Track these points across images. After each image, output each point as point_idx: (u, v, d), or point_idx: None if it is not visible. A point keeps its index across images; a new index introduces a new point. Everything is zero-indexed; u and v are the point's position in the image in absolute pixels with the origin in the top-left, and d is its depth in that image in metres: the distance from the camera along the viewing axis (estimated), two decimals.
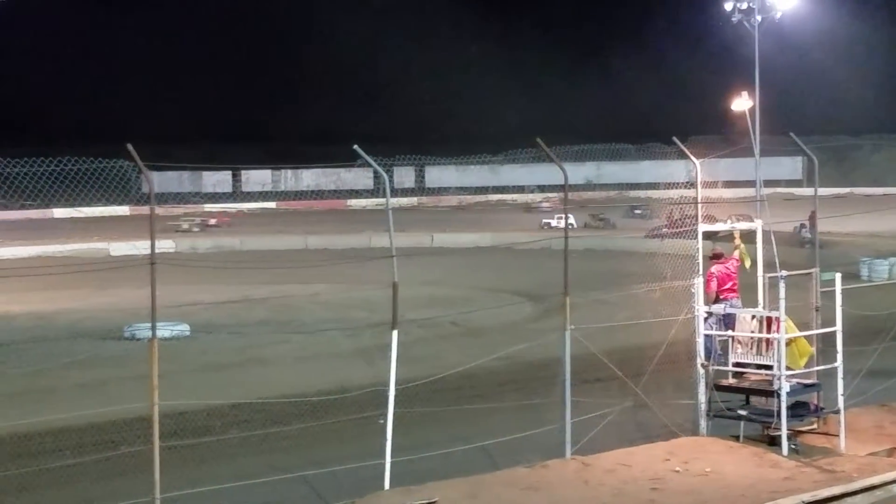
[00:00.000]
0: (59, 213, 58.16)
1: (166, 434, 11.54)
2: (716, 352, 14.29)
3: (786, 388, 13.43)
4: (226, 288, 32.64)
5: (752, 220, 16.55)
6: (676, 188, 15.81)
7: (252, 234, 55.62)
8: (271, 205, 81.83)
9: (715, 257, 14.83)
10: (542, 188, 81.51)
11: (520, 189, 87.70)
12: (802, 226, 40.89)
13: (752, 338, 13.92)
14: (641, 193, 66.87)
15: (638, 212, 57.62)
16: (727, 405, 14.07)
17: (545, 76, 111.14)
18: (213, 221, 61.93)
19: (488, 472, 12.46)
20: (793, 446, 13.49)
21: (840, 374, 14.09)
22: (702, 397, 14.10)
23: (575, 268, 13.64)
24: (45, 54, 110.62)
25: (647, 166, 67.63)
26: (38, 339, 26.29)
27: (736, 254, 15.02)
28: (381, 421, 11.93)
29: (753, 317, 14.07)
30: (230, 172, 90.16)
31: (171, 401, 11.85)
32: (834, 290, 14.23)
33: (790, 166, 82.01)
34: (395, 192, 67.77)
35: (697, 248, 14.37)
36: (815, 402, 14.38)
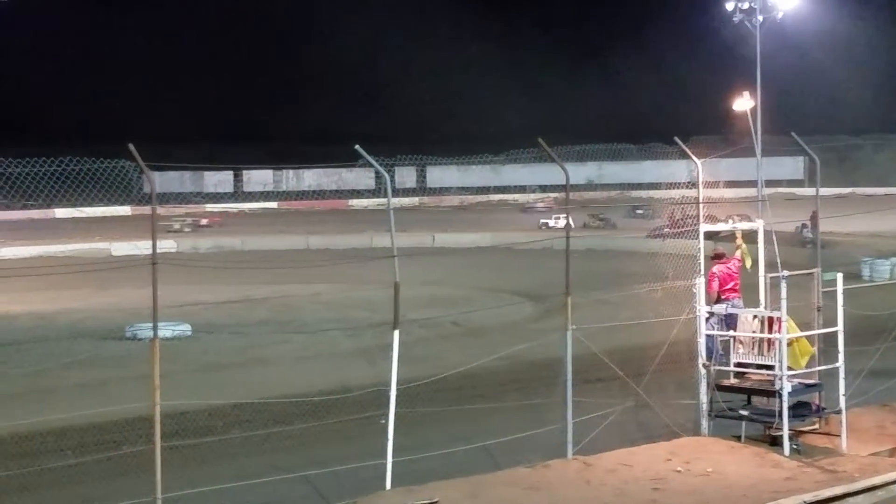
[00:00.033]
0: (61, 213, 58.17)
1: (168, 434, 11.54)
2: (717, 352, 14.28)
3: (787, 388, 13.43)
4: (227, 288, 32.67)
5: (750, 220, 16.55)
6: (678, 188, 15.81)
7: (253, 233, 55.64)
8: (273, 205, 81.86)
9: (716, 257, 14.82)
10: (543, 188, 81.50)
11: (521, 189, 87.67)
12: (804, 226, 40.93)
13: (753, 338, 13.92)
14: (643, 193, 66.83)
15: (640, 212, 57.63)
16: (729, 405, 14.06)
17: (546, 76, 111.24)
18: (204, 221, 62.24)
19: (489, 472, 12.46)
20: (794, 446, 13.48)
21: (842, 374, 14.08)
22: (703, 397, 14.09)
23: (576, 268, 13.63)
24: (46, 54, 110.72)
25: (649, 166, 67.55)
26: (39, 339, 26.32)
27: (737, 254, 15.01)
28: (383, 421, 11.92)
29: (755, 317, 14.07)
30: (232, 172, 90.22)
31: (173, 401, 11.85)
32: (835, 290, 14.24)
33: (792, 166, 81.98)
34: (397, 192, 67.71)
35: (699, 248, 14.36)
36: (817, 402, 14.37)
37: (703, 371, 14.10)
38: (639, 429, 14.45)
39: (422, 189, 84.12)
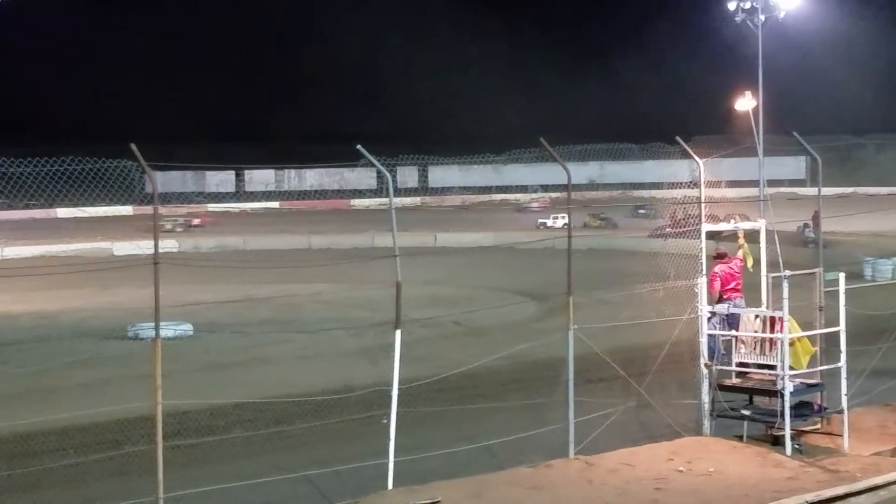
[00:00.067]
0: (63, 212, 58.15)
1: (170, 434, 11.53)
2: (719, 352, 14.27)
3: (789, 387, 13.43)
4: (229, 287, 32.69)
5: (749, 219, 16.54)
6: (680, 188, 15.80)
7: (255, 233, 55.67)
8: (275, 204, 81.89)
9: (718, 257, 14.81)
10: (545, 188, 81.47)
11: (523, 189, 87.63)
12: (806, 225, 40.91)
13: (755, 338, 13.91)
14: (645, 193, 66.81)
15: (642, 211, 57.68)
16: (731, 405, 14.05)
17: (547, 76, 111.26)
18: (196, 221, 62.41)
19: (492, 472, 12.45)
20: (796, 446, 13.48)
21: (844, 374, 14.07)
22: (705, 397, 14.08)
23: (578, 267, 13.63)
24: (48, 54, 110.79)
25: (651, 166, 67.58)
26: (41, 339, 26.36)
27: (739, 253, 15.00)
28: (385, 420, 11.92)
29: (757, 316, 14.06)
30: (233, 172, 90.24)
31: (175, 400, 11.84)
32: (837, 290, 14.22)
33: (794, 166, 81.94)
34: (399, 192, 67.67)
35: (701, 248, 14.36)
36: (819, 401, 14.36)
37: (704, 371, 14.09)
38: (641, 428, 14.45)
39: (424, 189, 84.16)
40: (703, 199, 14.50)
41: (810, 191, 59.82)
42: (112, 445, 14.77)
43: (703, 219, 14.46)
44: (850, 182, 72.11)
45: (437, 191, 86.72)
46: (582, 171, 70.38)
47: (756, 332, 13.91)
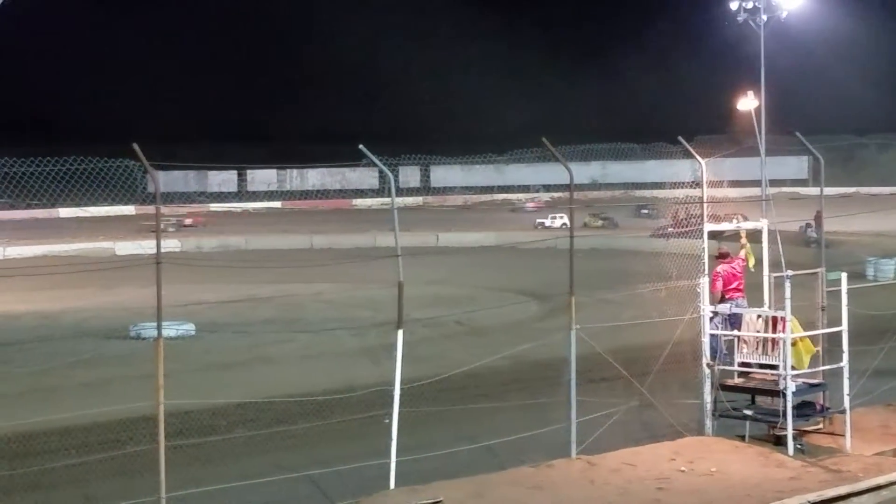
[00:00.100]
0: (65, 212, 58.21)
1: (172, 433, 11.54)
2: (721, 351, 14.27)
3: (791, 387, 13.42)
4: (231, 287, 32.70)
5: (748, 219, 16.53)
6: (682, 188, 15.79)
7: (257, 233, 55.69)
8: (277, 204, 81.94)
9: (720, 257, 14.80)
10: (547, 188, 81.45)
11: (525, 189, 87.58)
12: (808, 225, 40.93)
13: (757, 337, 13.90)
14: (647, 193, 66.80)
15: (645, 211, 57.69)
16: (733, 405, 14.05)
17: (549, 76, 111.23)
18: (188, 221, 62.58)
19: (494, 472, 12.46)
20: (798, 446, 13.47)
21: (846, 374, 14.07)
22: (707, 397, 14.08)
23: (580, 267, 13.62)
24: (49, 54, 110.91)
25: (653, 166, 67.42)
26: (43, 339, 26.38)
27: (741, 253, 15.00)
28: (387, 420, 11.92)
29: (759, 316, 14.05)
30: (235, 172, 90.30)
31: (177, 400, 11.84)
32: (840, 290, 14.21)
33: (796, 166, 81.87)
34: (401, 192, 67.56)
35: (703, 248, 14.35)
36: (821, 401, 14.35)
37: (707, 371, 14.09)
38: (643, 428, 14.44)
39: (425, 188, 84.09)
40: (705, 199, 14.49)
41: (812, 190, 59.82)
42: (114, 445, 14.76)
43: (706, 218, 14.46)
44: (852, 182, 72.12)
45: (440, 190, 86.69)
46: (584, 171, 70.23)
47: (758, 331, 13.91)
